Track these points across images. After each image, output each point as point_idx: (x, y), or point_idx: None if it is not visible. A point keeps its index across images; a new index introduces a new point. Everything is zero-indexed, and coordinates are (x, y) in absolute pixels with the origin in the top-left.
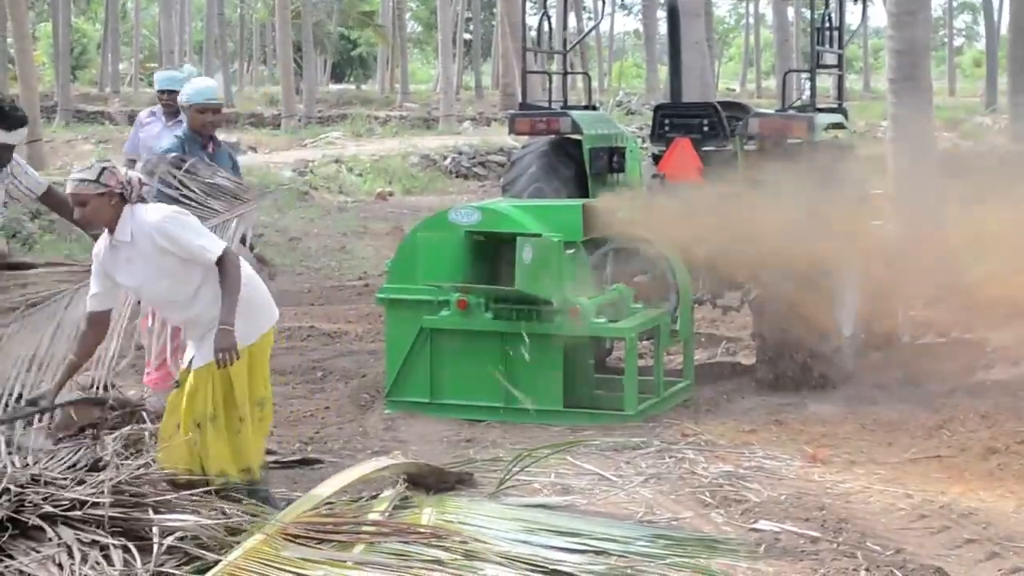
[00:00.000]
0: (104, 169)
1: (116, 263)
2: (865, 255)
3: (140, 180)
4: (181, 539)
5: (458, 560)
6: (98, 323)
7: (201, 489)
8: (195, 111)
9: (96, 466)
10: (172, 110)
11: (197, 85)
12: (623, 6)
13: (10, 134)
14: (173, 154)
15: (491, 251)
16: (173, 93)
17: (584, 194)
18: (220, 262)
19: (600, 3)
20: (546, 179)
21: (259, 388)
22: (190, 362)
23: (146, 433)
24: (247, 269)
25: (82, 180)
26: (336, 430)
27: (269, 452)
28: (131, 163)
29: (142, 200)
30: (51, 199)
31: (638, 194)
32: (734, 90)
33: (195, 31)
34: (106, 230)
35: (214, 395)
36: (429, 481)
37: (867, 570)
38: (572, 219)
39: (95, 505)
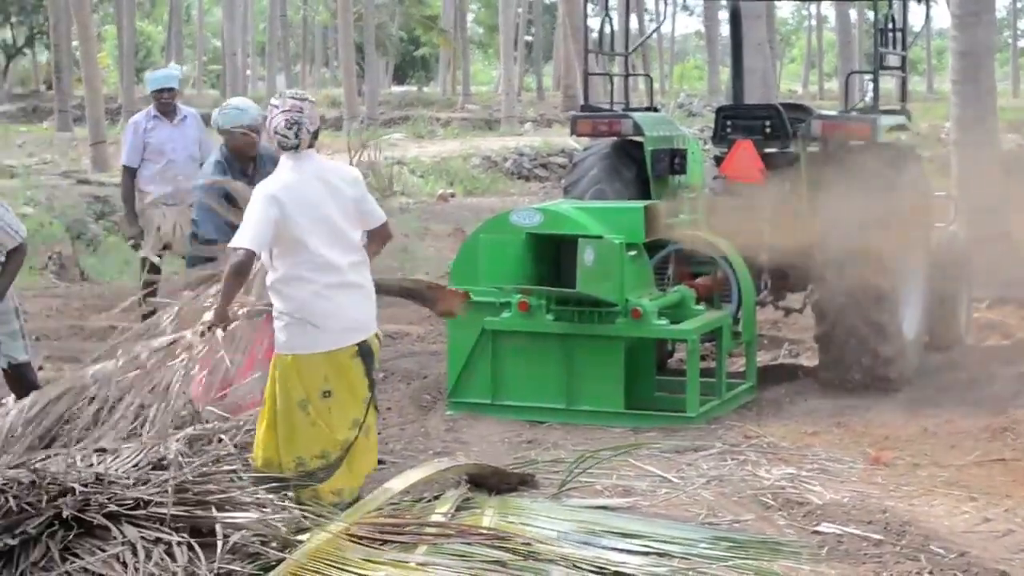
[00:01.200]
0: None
1: None
2: (928, 257)
3: (274, 130)
4: (245, 536)
5: (520, 561)
6: None
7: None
8: (231, 135)
9: (160, 465)
10: (169, 108)
11: (229, 106)
12: (685, 7)
13: None
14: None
15: (553, 253)
16: (172, 91)
17: (646, 196)
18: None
19: (662, 5)
20: (608, 181)
21: (299, 391)
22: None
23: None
24: (319, 292)
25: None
26: (398, 431)
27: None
28: (132, 173)
29: (281, 149)
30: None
31: (700, 196)
32: (796, 92)
33: (258, 33)
34: None
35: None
36: (491, 482)
37: (930, 573)
38: (634, 221)
39: (159, 504)
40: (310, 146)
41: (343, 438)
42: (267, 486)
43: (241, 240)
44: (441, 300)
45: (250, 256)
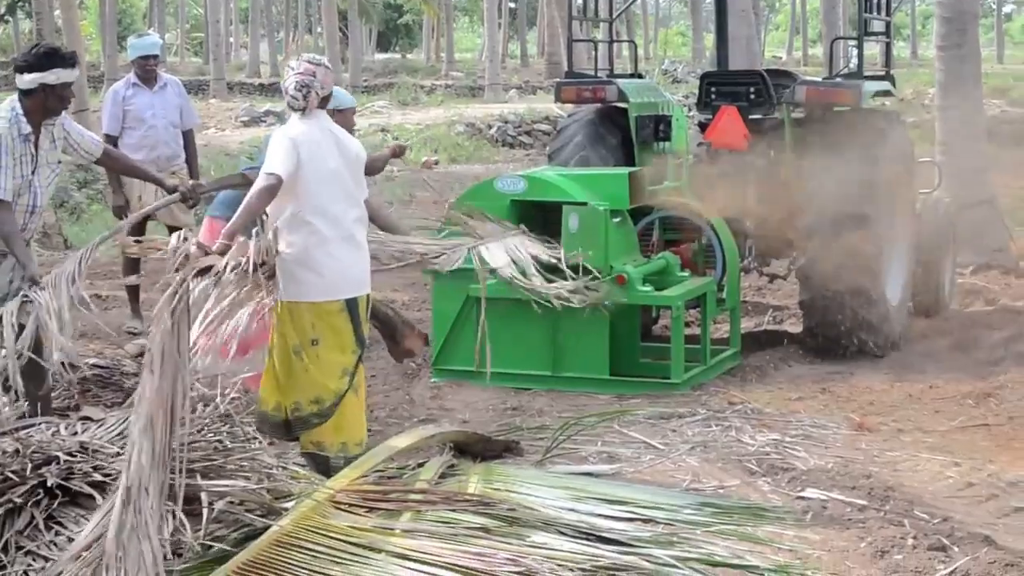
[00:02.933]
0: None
1: None
2: (913, 223)
3: (286, 90)
4: (230, 503)
5: (505, 528)
6: None
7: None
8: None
9: None
10: (152, 75)
11: None
12: None
13: (72, 71)
14: None
15: (537, 219)
16: (156, 58)
17: (630, 162)
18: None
19: None
20: (592, 147)
21: (293, 338)
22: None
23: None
24: (318, 240)
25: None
26: (383, 398)
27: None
28: (113, 142)
29: (291, 109)
30: (108, 159)
31: (684, 162)
32: (780, 58)
33: (240, 0)
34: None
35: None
36: (476, 449)
37: (914, 538)
38: (618, 187)
39: None
40: (320, 107)
41: (335, 387)
42: (268, 431)
43: (273, 167)
44: (407, 338)
45: (280, 181)
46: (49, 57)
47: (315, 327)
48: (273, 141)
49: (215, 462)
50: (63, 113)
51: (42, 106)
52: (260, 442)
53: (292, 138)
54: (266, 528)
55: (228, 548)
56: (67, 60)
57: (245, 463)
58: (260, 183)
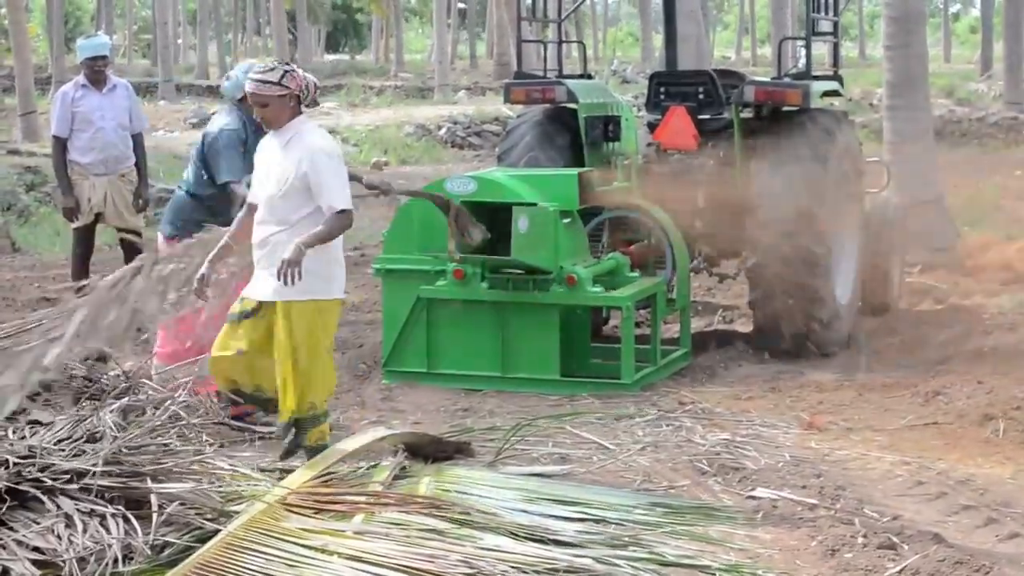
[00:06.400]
0: (286, 72)
1: (268, 154)
2: (861, 222)
3: (315, 84)
4: (181, 506)
5: (457, 530)
6: (253, 212)
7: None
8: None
9: (93, 437)
10: (101, 77)
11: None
12: None
13: None
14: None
15: (487, 221)
16: (105, 59)
17: (580, 163)
18: (337, 213)
19: None
20: (541, 148)
21: (327, 337)
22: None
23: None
24: (337, 247)
25: (265, 82)
26: (334, 400)
27: (266, 425)
28: (62, 143)
29: (315, 104)
30: None
31: (634, 163)
32: (729, 58)
33: (189, 1)
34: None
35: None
36: (427, 451)
37: (864, 536)
38: (568, 188)
39: (93, 476)
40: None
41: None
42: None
43: (347, 201)
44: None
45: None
46: None
47: (336, 326)
48: (333, 171)
49: (164, 465)
50: None
51: None
52: (211, 445)
53: (341, 158)
54: (217, 531)
55: (179, 551)
56: None
57: (196, 466)
58: (346, 220)
